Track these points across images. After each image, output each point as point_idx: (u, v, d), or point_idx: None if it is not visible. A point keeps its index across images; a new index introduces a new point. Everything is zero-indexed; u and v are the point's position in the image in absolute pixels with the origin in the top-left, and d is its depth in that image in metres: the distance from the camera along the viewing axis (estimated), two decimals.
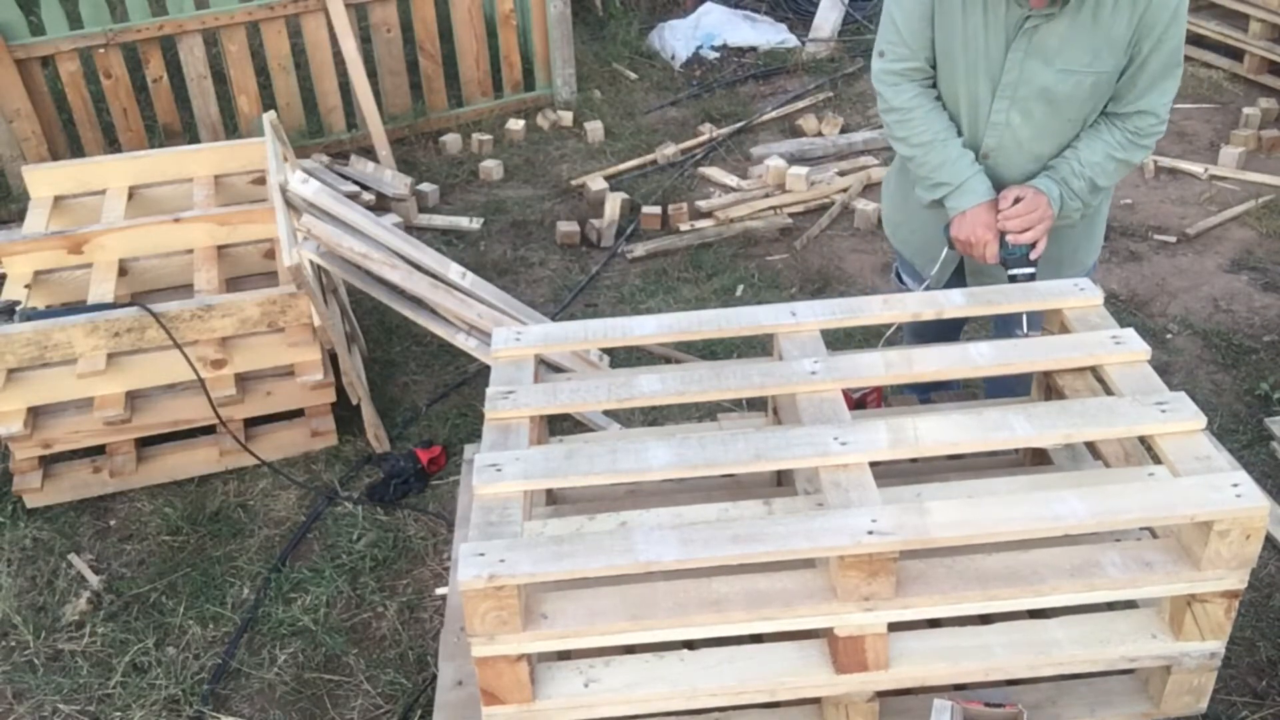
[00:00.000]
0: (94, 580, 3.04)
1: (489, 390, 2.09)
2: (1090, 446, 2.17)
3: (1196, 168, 4.80)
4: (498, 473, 1.87)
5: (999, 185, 2.49)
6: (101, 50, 4.72)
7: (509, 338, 2.24)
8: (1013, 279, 2.43)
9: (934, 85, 2.51)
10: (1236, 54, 5.54)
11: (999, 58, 2.35)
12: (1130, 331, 2.14)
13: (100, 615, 2.95)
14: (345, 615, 2.94)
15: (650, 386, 2.08)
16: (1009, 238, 2.41)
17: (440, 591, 2.89)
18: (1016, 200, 2.41)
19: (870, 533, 1.71)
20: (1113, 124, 2.41)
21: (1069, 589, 1.78)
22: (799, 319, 2.22)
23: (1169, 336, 3.84)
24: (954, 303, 2.26)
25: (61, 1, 4.64)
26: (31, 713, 2.72)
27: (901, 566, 1.77)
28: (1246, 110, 5.11)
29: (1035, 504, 1.77)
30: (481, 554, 1.71)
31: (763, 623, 1.77)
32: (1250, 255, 4.28)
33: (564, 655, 1.90)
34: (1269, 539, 3.01)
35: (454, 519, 2.75)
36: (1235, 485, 1.76)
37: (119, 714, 2.69)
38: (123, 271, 3.49)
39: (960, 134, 2.49)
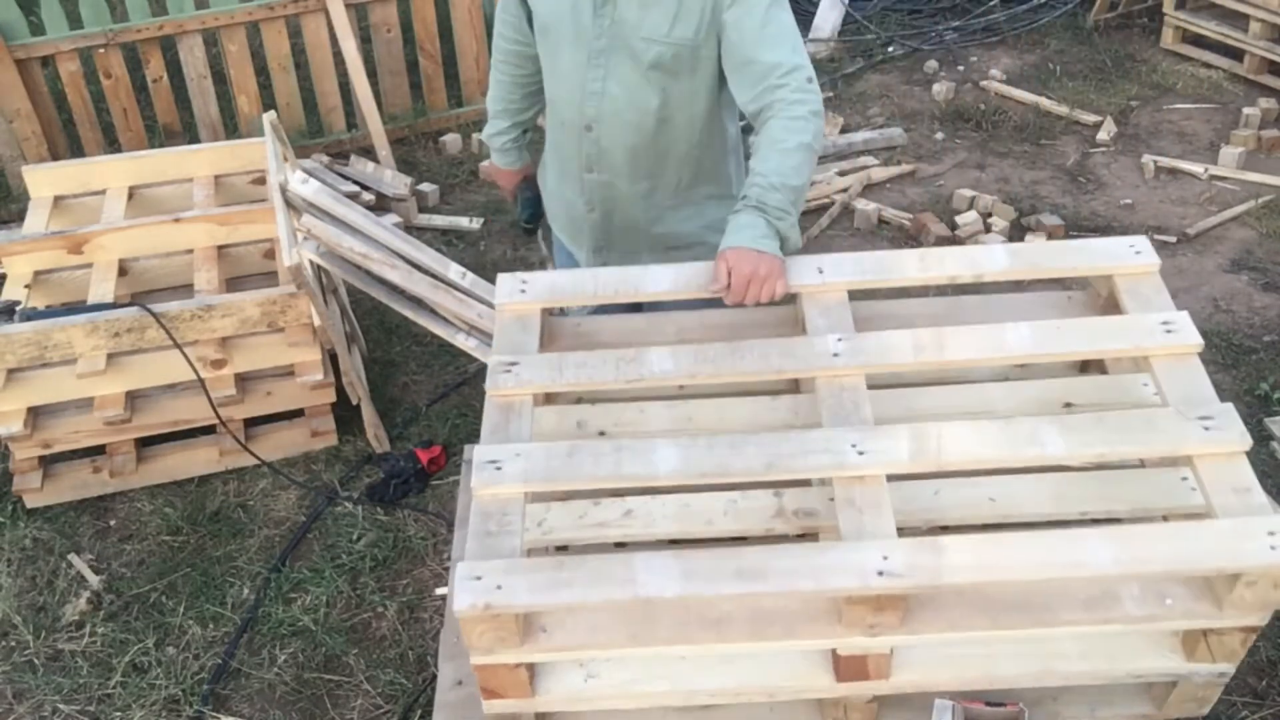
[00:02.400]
0: (94, 580, 3.04)
1: (491, 361, 2.00)
2: None
3: (1196, 168, 4.79)
4: (497, 471, 1.81)
5: (604, 159, 2.41)
6: (101, 50, 4.71)
7: (514, 289, 2.11)
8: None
9: (527, 51, 2.53)
10: (1236, 54, 5.54)
11: (589, 25, 2.30)
12: (1184, 317, 1.98)
13: (100, 615, 2.95)
14: (345, 615, 2.94)
15: (662, 365, 1.98)
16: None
17: (440, 591, 2.89)
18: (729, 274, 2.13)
19: (880, 574, 1.63)
20: (763, 122, 2.23)
21: (1083, 622, 1.72)
22: (826, 277, 2.09)
23: None
24: (997, 263, 2.12)
25: (61, 1, 4.64)
26: (31, 713, 2.72)
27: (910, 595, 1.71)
28: (1246, 110, 5.10)
29: (1057, 549, 1.68)
30: (478, 577, 1.66)
31: (764, 643, 1.74)
32: (1250, 255, 4.28)
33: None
34: None
35: (454, 519, 2.75)
36: (1271, 534, 1.65)
37: (119, 714, 2.69)
38: (123, 271, 3.49)
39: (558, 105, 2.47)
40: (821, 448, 1.81)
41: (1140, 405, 2.00)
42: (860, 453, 1.79)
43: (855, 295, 2.13)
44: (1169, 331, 1.96)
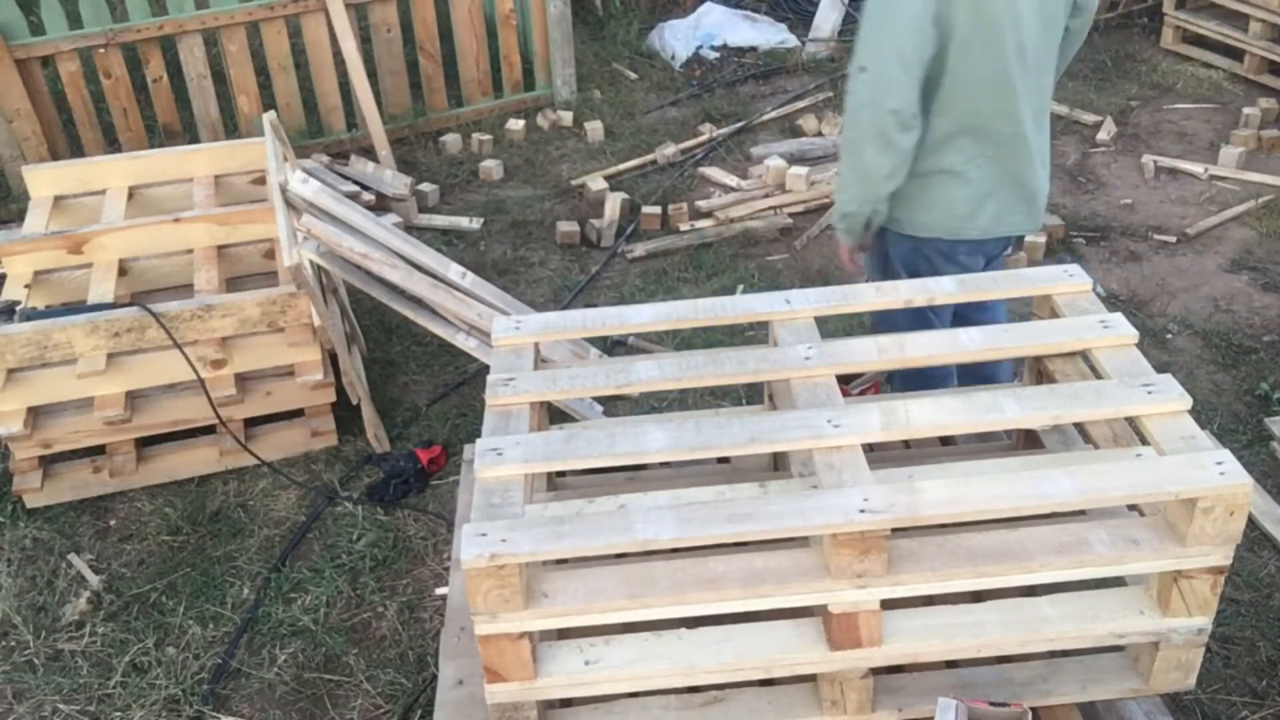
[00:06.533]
0: (94, 580, 3.04)
1: (489, 377, 2.12)
2: (1080, 430, 2.18)
3: (1196, 168, 4.79)
4: (499, 456, 1.90)
5: (1022, 177, 2.70)
6: (101, 50, 4.72)
7: (509, 326, 2.27)
8: None
9: None
10: (1236, 54, 5.54)
11: (1028, 27, 2.47)
12: (1118, 316, 2.16)
13: (100, 615, 2.95)
14: (345, 615, 2.94)
15: (648, 373, 2.12)
16: None
17: (440, 591, 2.88)
18: None
19: (862, 511, 1.74)
20: None
21: (1058, 566, 1.80)
22: (794, 306, 2.26)
23: (1169, 336, 3.84)
24: (944, 289, 2.29)
25: (61, 1, 4.64)
26: (31, 713, 2.72)
27: (893, 545, 1.80)
28: (1246, 110, 5.11)
29: (1023, 482, 1.81)
30: (484, 534, 1.75)
31: (758, 600, 1.79)
32: (1250, 255, 4.28)
33: (564, 635, 1.93)
34: (1269, 539, 3.01)
35: (454, 519, 2.75)
36: (1219, 463, 1.79)
37: (119, 714, 2.70)
38: (123, 271, 3.49)
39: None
40: (799, 424, 1.95)
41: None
42: (835, 426, 1.93)
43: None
44: (1106, 328, 2.13)
